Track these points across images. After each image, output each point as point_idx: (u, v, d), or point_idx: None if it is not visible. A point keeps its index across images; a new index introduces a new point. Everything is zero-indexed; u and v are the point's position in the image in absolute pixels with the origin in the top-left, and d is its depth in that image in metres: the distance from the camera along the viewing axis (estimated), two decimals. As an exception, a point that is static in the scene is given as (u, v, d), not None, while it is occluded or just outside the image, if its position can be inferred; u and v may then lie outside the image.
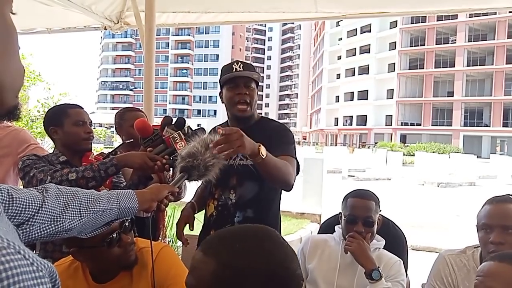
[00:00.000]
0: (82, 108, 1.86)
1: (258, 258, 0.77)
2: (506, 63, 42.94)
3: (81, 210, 0.99)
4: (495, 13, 38.01)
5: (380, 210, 2.18)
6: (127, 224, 1.23)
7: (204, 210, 1.91)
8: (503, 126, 43.38)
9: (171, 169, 1.55)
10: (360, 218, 1.70)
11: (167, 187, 1.26)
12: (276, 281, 0.77)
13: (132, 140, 2.01)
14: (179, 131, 1.52)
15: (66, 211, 0.96)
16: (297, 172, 1.75)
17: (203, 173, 1.30)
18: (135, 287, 1.26)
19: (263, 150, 1.47)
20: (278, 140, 1.71)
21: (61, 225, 0.95)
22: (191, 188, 2.02)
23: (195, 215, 1.92)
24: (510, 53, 42.98)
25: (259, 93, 2.03)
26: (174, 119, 1.58)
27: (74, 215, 0.98)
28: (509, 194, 1.59)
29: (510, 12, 34.02)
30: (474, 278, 1.57)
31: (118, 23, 3.50)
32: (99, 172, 1.58)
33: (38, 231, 0.90)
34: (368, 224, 1.70)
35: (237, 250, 0.78)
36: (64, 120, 1.78)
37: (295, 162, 1.72)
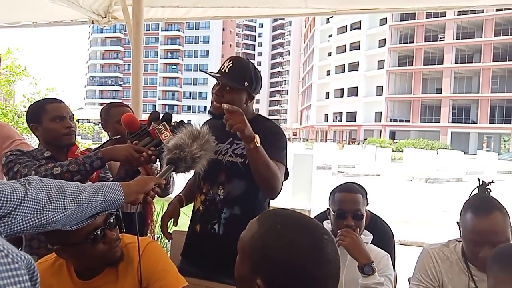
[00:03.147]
0: (62, 102, 1.80)
1: (285, 246, 0.79)
2: (493, 61, 43.56)
3: (65, 202, 0.97)
4: (483, 11, 38.49)
5: (368, 204, 2.20)
6: (111, 220, 1.21)
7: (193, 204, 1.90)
8: (489, 123, 44.06)
9: (158, 161, 1.54)
10: (349, 212, 1.70)
11: (153, 179, 1.24)
12: (289, 275, 0.78)
13: (120, 136, 1.98)
14: (164, 122, 1.51)
15: (50, 204, 0.94)
16: (286, 178, 1.72)
17: (190, 165, 1.30)
18: (121, 283, 1.24)
19: (258, 139, 1.50)
20: (271, 143, 1.66)
21: (45, 217, 0.93)
22: (179, 184, 2.01)
23: (184, 210, 1.90)
24: (497, 51, 43.59)
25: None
26: (162, 114, 1.57)
27: (58, 207, 0.96)
28: (489, 196, 1.58)
29: (497, 10, 34.51)
30: (457, 270, 1.60)
31: (105, 17, 3.44)
32: (84, 165, 1.56)
33: (21, 224, 0.88)
34: (357, 218, 1.70)
35: (276, 230, 0.82)
36: (42, 116, 1.73)
37: (284, 169, 1.69)
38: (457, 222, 1.60)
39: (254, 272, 0.81)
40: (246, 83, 1.69)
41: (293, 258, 0.78)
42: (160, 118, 1.55)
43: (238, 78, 1.69)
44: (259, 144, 1.50)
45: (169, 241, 1.83)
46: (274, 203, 1.86)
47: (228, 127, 1.45)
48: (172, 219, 1.81)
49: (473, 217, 1.47)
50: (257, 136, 1.50)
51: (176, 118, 1.61)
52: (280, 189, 1.65)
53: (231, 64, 1.69)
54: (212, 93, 1.78)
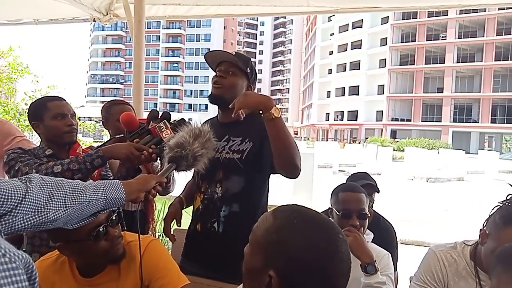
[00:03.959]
0: (64, 100, 1.80)
1: (302, 242, 0.79)
2: (495, 60, 43.44)
3: (66, 200, 0.97)
4: (485, 10, 38.38)
5: (378, 191, 2.18)
6: (114, 217, 1.21)
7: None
8: (491, 122, 43.96)
9: (159, 160, 1.54)
10: (354, 212, 1.69)
11: (154, 177, 1.24)
12: (303, 271, 0.78)
13: (123, 135, 1.98)
14: (164, 120, 1.51)
15: (51, 202, 0.94)
16: None
17: (191, 163, 1.30)
18: (123, 280, 1.24)
19: (276, 111, 1.47)
20: None
21: (46, 216, 0.92)
22: (180, 182, 2.01)
23: (185, 210, 1.90)
24: (499, 50, 43.46)
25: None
26: (160, 113, 1.58)
27: (59, 205, 0.95)
28: None
29: (499, 9, 34.44)
30: (464, 274, 1.58)
31: (107, 15, 3.44)
32: (85, 164, 1.56)
33: (22, 222, 0.88)
34: (362, 217, 1.69)
35: (293, 224, 0.82)
36: (43, 114, 1.74)
37: None
38: (481, 230, 1.52)
39: (267, 264, 0.81)
40: (248, 69, 1.77)
41: (309, 254, 0.79)
42: (159, 117, 1.56)
43: (242, 62, 1.76)
44: (278, 115, 1.47)
45: (173, 243, 1.83)
46: (274, 201, 1.85)
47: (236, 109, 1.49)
48: (175, 220, 1.81)
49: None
50: (276, 107, 1.47)
51: (177, 116, 1.62)
52: (300, 165, 1.58)
53: (234, 53, 1.78)
54: (213, 79, 1.80)
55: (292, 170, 1.59)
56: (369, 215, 1.73)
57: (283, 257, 0.80)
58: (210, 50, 1.84)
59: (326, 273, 0.79)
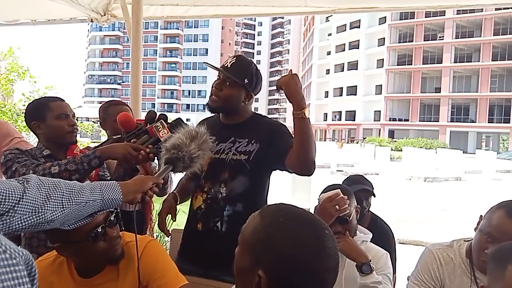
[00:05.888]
0: (64, 101, 1.81)
1: (288, 239, 0.81)
2: (492, 60, 43.58)
3: (63, 201, 0.98)
4: (482, 10, 38.51)
5: (374, 195, 2.15)
6: (112, 218, 1.21)
7: (186, 202, 1.89)
8: (488, 122, 44.08)
9: (156, 159, 1.54)
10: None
11: (151, 179, 1.25)
12: (291, 268, 0.79)
13: (120, 136, 1.98)
14: (162, 120, 1.52)
15: (48, 202, 0.95)
16: None
17: (188, 164, 1.31)
18: (121, 281, 1.24)
19: (308, 111, 1.55)
20: (282, 135, 1.72)
21: (43, 216, 0.93)
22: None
23: (183, 208, 1.90)
24: (496, 50, 43.61)
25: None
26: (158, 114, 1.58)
27: (56, 206, 0.96)
28: None
29: (496, 9, 34.57)
30: (459, 272, 1.59)
31: (105, 15, 3.44)
32: (82, 164, 1.56)
33: (19, 222, 0.88)
34: (342, 222, 1.63)
35: (279, 223, 0.84)
36: (46, 114, 1.73)
37: None
38: (481, 215, 1.56)
39: (255, 264, 0.82)
40: (246, 80, 1.74)
41: (296, 251, 0.80)
42: (156, 119, 1.56)
43: (239, 74, 1.73)
44: (308, 115, 1.54)
45: (168, 237, 1.83)
46: (272, 202, 1.85)
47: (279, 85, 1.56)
48: (170, 215, 1.80)
49: (503, 216, 1.44)
50: (307, 108, 1.56)
51: (175, 116, 1.62)
52: (315, 166, 1.67)
53: (234, 61, 1.75)
54: (211, 88, 1.80)
55: (310, 167, 1.65)
56: (349, 219, 1.66)
57: (270, 255, 0.81)
58: (209, 63, 1.87)
59: (314, 268, 0.80)
